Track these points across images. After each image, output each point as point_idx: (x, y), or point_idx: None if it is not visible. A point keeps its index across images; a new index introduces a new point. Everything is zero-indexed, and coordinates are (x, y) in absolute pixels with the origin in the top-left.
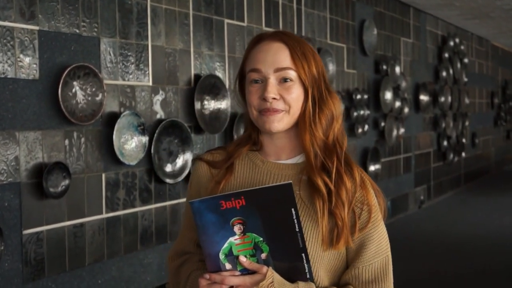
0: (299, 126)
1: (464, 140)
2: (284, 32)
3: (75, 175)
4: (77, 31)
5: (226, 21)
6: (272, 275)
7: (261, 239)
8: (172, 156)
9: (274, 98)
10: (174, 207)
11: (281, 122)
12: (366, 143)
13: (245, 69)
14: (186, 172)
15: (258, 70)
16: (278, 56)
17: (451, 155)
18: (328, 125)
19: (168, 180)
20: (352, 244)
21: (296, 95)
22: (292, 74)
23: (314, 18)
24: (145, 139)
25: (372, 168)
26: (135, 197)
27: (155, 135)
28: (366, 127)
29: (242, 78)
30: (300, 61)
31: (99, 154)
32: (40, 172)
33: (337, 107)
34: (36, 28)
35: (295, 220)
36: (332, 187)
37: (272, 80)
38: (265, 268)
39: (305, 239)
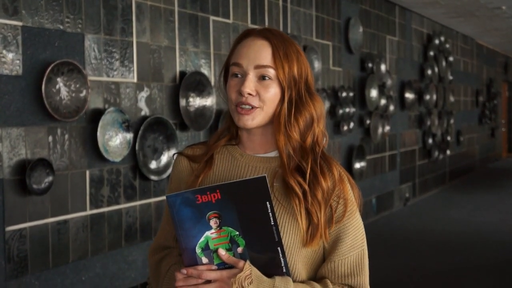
0: (274, 126)
1: (449, 138)
2: (271, 30)
3: (58, 171)
4: (61, 27)
5: (212, 18)
6: (249, 267)
7: (237, 233)
8: (156, 153)
9: (250, 94)
10: (159, 204)
11: (255, 119)
12: (351, 141)
13: (229, 62)
14: (171, 169)
15: (239, 64)
16: (260, 53)
17: (436, 153)
18: (306, 126)
19: (152, 177)
20: (329, 238)
21: (272, 94)
22: (271, 72)
23: (300, 16)
24: (129, 136)
25: (357, 165)
26: (120, 194)
27: (140, 132)
28: (352, 124)
29: (227, 72)
30: (280, 61)
31: (83, 150)
32: (23, 169)
33: (318, 109)
34: (20, 23)
35: (270, 214)
36: (306, 187)
37: (251, 76)
38: (242, 262)
39: (282, 233)
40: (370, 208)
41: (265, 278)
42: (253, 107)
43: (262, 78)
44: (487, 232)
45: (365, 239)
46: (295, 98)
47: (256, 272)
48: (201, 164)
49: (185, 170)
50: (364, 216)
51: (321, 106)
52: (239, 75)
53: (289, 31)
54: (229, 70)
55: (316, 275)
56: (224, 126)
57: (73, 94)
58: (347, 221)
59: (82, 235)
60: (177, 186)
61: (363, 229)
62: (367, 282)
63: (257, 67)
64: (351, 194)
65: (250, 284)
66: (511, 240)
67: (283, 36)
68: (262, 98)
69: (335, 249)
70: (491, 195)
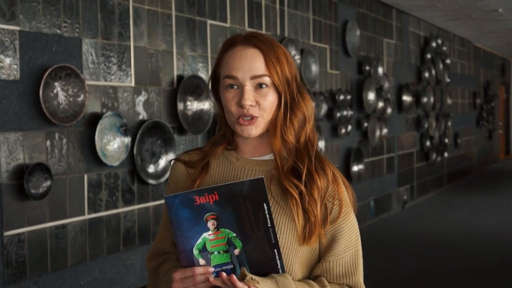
0: (270, 131)
1: (446, 140)
2: (256, 36)
3: (56, 176)
4: (59, 31)
5: (209, 22)
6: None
7: (234, 234)
8: (154, 157)
9: (251, 105)
10: (157, 208)
11: (258, 128)
12: (349, 144)
13: (218, 71)
14: (168, 174)
15: (234, 77)
16: (254, 63)
17: (434, 155)
18: (300, 127)
19: (150, 181)
20: (324, 238)
21: (271, 101)
22: (267, 80)
23: (297, 19)
24: (127, 140)
25: (355, 168)
26: (118, 198)
27: (138, 136)
28: (349, 127)
29: (215, 80)
30: (274, 67)
31: (81, 155)
32: (21, 173)
33: (309, 108)
34: (17, 28)
35: (267, 216)
36: (302, 188)
37: (249, 87)
38: (240, 273)
39: (280, 234)
40: (368, 211)
41: (265, 278)
42: (253, 117)
43: (259, 86)
44: (485, 234)
45: (359, 239)
46: (289, 101)
47: (254, 276)
48: (197, 169)
49: (182, 176)
50: (362, 219)
51: (311, 104)
52: (235, 86)
53: (286, 34)
54: (222, 81)
55: (310, 276)
56: (220, 133)
57: (71, 99)
58: (342, 222)
59: (80, 240)
60: (174, 192)
61: (358, 229)
62: (362, 281)
63: (253, 77)
64: (345, 195)
65: (258, 283)
66: (510, 242)
67: (269, 40)
68: (262, 107)
69: (330, 249)
70: (489, 197)
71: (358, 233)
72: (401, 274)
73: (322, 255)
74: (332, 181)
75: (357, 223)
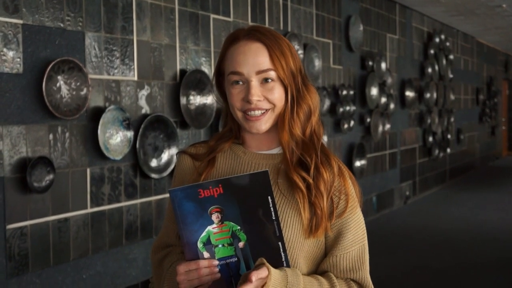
0: (278, 125)
1: (449, 136)
2: (259, 29)
3: (59, 169)
4: (62, 25)
5: (212, 16)
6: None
7: (239, 227)
8: (157, 151)
9: (258, 100)
10: (159, 202)
11: (267, 122)
12: (352, 139)
13: (222, 67)
14: (172, 167)
15: (239, 73)
16: (258, 58)
17: (437, 151)
18: (306, 119)
19: (153, 175)
20: (330, 231)
21: (278, 94)
22: (272, 74)
23: (300, 14)
24: (130, 134)
25: (357, 163)
26: (120, 192)
27: (140, 130)
28: (352, 123)
29: (219, 75)
30: (278, 61)
31: (84, 148)
32: (24, 167)
33: (314, 100)
34: (20, 22)
35: (272, 209)
36: (310, 181)
37: (255, 83)
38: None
39: (285, 227)
40: (370, 206)
41: (277, 270)
42: (266, 111)
43: (265, 81)
44: (487, 230)
45: (365, 233)
46: (295, 93)
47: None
48: (203, 162)
49: (188, 168)
50: (364, 214)
51: (316, 96)
52: (240, 82)
53: (289, 29)
54: (227, 78)
55: (316, 270)
56: (226, 128)
57: (74, 92)
58: (349, 216)
59: (83, 233)
60: (181, 184)
61: (364, 224)
62: (368, 276)
63: (259, 72)
64: (352, 189)
65: (270, 272)
66: (511, 238)
67: (272, 34)
68: (271, 101)
69: (337, 244)
70: (491, 193)
71: (365, 228)
72: (402, 270)
73: (328, 249)
74: (338, 174)
75: (363, 218)
